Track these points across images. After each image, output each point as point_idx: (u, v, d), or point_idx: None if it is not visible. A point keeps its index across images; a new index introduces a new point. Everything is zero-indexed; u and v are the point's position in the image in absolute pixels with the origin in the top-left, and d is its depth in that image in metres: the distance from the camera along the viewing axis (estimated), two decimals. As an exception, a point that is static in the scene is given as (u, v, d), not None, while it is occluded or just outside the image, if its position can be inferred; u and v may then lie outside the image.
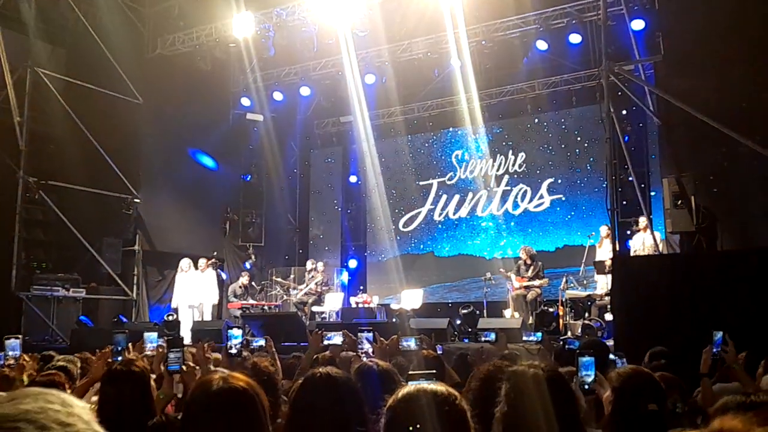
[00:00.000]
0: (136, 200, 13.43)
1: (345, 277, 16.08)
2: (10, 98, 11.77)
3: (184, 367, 3.34)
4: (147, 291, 13.80)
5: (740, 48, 8.60)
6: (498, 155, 15.04)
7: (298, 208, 17.25)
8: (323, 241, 16.94)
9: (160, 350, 4.43)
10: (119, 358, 4.15)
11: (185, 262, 12.65)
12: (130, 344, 4.33)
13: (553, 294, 11.68)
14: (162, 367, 4.15)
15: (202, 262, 12.89)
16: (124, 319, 12.36)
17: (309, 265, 14.20)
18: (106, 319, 12.54)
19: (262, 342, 6.63)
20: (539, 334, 7.19)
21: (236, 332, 4.23)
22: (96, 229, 12.89)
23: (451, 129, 15.64)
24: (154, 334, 4.78)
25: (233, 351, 4.05)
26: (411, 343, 5.11)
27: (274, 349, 5.88)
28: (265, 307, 14.12)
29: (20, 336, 4.44)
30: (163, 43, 13.99)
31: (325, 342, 5.47)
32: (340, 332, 5.43)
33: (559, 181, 14.42)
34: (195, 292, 12.75)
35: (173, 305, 12.72)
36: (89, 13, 12.72)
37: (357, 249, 16.71)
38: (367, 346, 4.77)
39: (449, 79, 13.83)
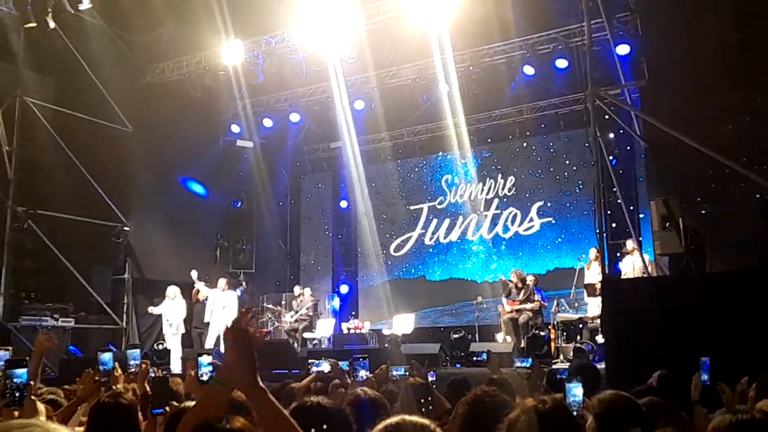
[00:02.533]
0: (125, 228, 13.41)
1: (336, 302, 16.07)
2: (-2, 128, 11.80)
3: (167, 408, 3.19)
4: (137, 319, 13.69)
5: (724, 71, 8.74)
6: (487, 179, 15.16)
7: (288, 234, 17.26)
8: (314, 267, 16.91)
9: (144, 367, 4.40)
10: (106, 379, 4.06)
11: (172, 290, 12.57)
12: (117, 363, 4.25)
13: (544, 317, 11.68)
14: (145, 386, 4.09)
15: (222, 282, 12.89)
16: (114, 349, 12.18)
17: (296, 290, 14.23)
18: (96, 348, 12.29)
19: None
20: (530, 359, 7.19)
21: (205, 359, 4.16)
22: (85, 258, 12.82)
23: (440, 154, 15.76)
24: (137, 351, 4.76)
25: (204, 378, 3.92)
26: (401, 372, 5.20)
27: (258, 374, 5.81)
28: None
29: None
30: (153, 71, 14.08)
31: (313, 369, 5.41)
32: (327, 360, 5.41)
33: (549, 204, 14.52)
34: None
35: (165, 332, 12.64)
36: (79, 42, 12.74)
37: (348, 274, 16.71)
38: (362, 373, 4.79)
39: (438, 104, 13.94)
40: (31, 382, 2.94)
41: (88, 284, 12.68)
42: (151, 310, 12.83)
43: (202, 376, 4.05)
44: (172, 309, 12.61)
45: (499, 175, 15.05)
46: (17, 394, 2.83)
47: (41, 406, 2.88)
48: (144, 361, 4.72)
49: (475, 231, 15.15)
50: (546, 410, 2.23)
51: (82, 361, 11.18)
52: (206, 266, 14.88)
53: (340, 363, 6.09)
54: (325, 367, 5.33)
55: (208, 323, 12.88)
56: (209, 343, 12.42)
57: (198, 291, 13.12)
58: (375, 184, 16.30)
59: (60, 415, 3.65)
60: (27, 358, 3.12)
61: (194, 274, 12.93)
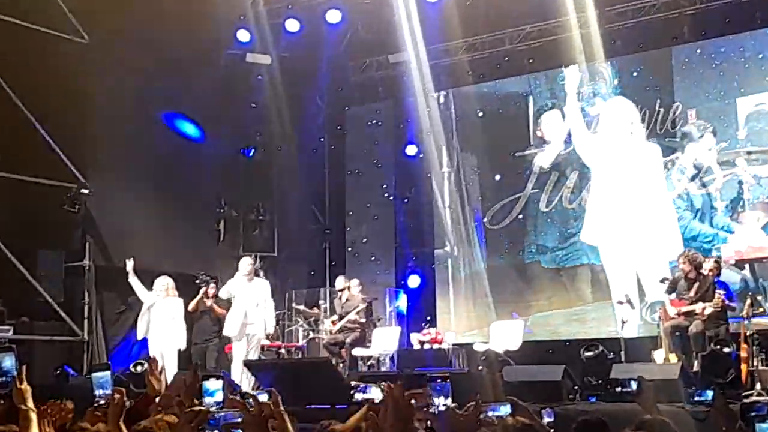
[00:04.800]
0: (83, 191, 13.65)
1: (403, 302, 16.14)
2: None
3: None
4: (104, 327, 14.02)
5: None
6: (637, 108, 14.85)
7: (327, 198, 17.41)
8: (367, 248, 17.02)
9: (117, 397, 4.46)
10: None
11: (161, 283, 12.60)
12: (24, 367, 4.38)
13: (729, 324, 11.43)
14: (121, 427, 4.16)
15: (245, 263, 12.80)
16: (72, 372, 12.49)
17: (339, 283, 14.25)
18: (44, 370, 12.57)
19: (264, 396, 6.64)
20: (709, 392, 7.09)
21: (213, 385, 4.21)
22: (25, 237, 13.11)
23: (562, 69, 15.51)
24: (106, 375, 4.91)
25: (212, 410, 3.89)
26: (500, 412, 5.26)
27: (282, 410, 5.89)
28: (282, 350, 14.24)
29: None
30: (119, -48, 14.18)
31: (358, 397, 5.41)
32: (380, 383, 5.36)
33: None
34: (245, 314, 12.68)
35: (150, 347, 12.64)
36: None
37: (420, 259, 16.80)
38: (441, 401, 5.10)
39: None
40: None
41: (31, 276, 12.98)
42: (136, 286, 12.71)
43: (206, 407, 4.09)
44: (163, 310, 12.60)
45: (657, 102, 14.71)
46: None
47: None
48: (118, 389, 4.80)
49: (618, 190, 14.96)
50: None
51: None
52: (204, 247, 15.08)
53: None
54: (375, 394, 5.32)
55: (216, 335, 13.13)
56: (238, 357, 12.52)
57: (202, 298, 13.22)
58: (459, 118, 16.19)
59: None
60: None
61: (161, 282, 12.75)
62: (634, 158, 14.84)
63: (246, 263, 12.86)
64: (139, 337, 12.75)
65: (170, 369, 12.35)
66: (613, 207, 14.94)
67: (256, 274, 13.32)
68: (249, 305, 12.63)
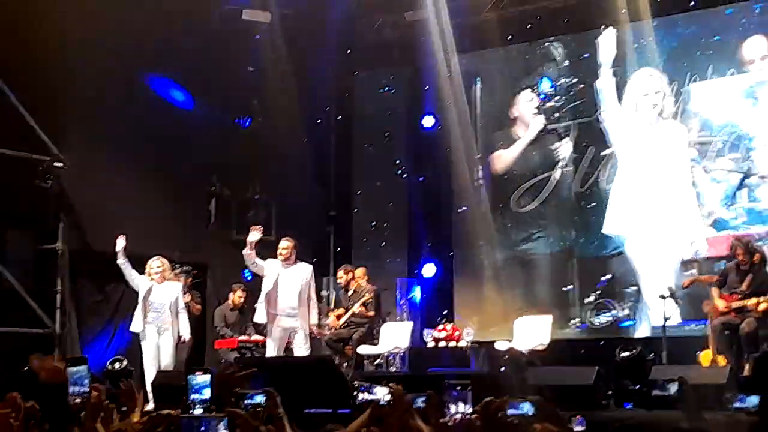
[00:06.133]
0: (57, 164, 13.65)
1: (417, 294, 16.30)
2: None
3: None
4: (78, 319, 14.09)
5: None
6: (687, 76, 14.72)
7: (332, 175, 17.45)
8: (377, 233, 17.08)
9: (95, 395, 4.55)
10: None
11: (156, 264, 12.58)
12: None
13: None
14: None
15: (284, 245, 12.64)
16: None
17: (342, 274, 14.32)
18: (9, 366, 12.63)
19: (260, 398, 6.58)
20: (754, 398, 7.05)
21: (200, 378, 4.14)
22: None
23: (601, 29, 15.38)
24: (83, 369, 4.92)
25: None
26: (524, 411, 5.18)
27: (281, 411, 5.88)
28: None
29: None
30: None
31: (361, 397, 5.36)
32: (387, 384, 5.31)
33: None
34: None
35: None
36: None
37: (437, 245, 16.79)
38: (459, 408, 4.91)
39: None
40: None
41: (-4, 259, 13.05)
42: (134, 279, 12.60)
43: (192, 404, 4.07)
44: (159, 298, 12.55)
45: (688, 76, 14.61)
46: None
47: None
48: (95, 386, 4.83)
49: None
50: None
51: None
52: (192, 229, 15.09)
53: (416, 397, 6.04)
54: (380, 394, 5.27)
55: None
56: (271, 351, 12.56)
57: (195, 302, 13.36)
58: (484, 87, 16.32)
59: None
60: None
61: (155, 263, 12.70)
62: (660, 139, 14.81)
63: (284, 245, 12.67)
64: (135, 329, 12.64)
65: (166, 366, 12.42)
66: (640, 193, 14.93)
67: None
68: (289, 294, 12.47)
